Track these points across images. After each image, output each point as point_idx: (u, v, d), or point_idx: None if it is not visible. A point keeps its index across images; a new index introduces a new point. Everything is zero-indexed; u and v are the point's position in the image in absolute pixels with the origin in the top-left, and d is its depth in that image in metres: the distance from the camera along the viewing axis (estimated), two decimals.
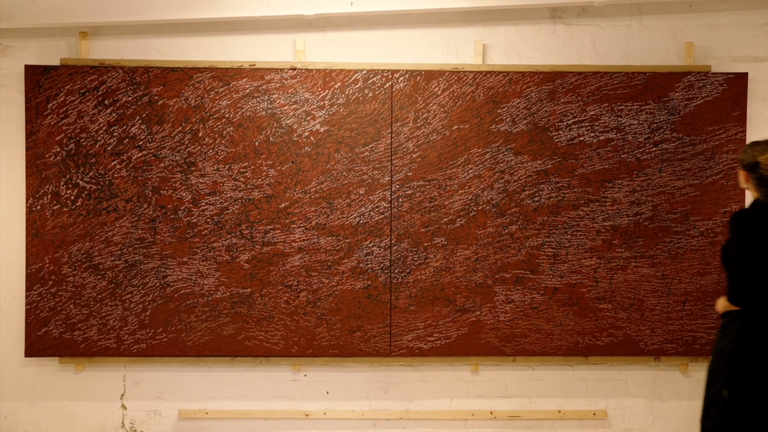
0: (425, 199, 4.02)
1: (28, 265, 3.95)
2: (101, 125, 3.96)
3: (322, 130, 4.01)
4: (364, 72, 4.01)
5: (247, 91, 3.99)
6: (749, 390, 2.89)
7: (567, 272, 4.04)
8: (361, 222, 4.02)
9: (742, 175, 3.08)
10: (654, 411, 4.18)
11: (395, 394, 4.15)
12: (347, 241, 4.01)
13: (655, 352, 4.05)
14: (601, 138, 4.04)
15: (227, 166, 3.99)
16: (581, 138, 4.04)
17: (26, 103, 3.95)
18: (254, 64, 4.01)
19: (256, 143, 4.00)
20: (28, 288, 3.95)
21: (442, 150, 4.02)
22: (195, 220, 3.98)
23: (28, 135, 3.95)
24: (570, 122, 4.04)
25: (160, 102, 3.97)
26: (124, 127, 3.97)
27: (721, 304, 3.06)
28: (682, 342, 4.05)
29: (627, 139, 4.04)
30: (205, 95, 3.98)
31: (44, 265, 3.95)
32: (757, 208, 2.99)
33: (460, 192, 4.03)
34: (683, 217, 4.04)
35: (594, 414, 4.16)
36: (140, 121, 3.97)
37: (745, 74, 4.06)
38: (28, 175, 3.94)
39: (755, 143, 3.04)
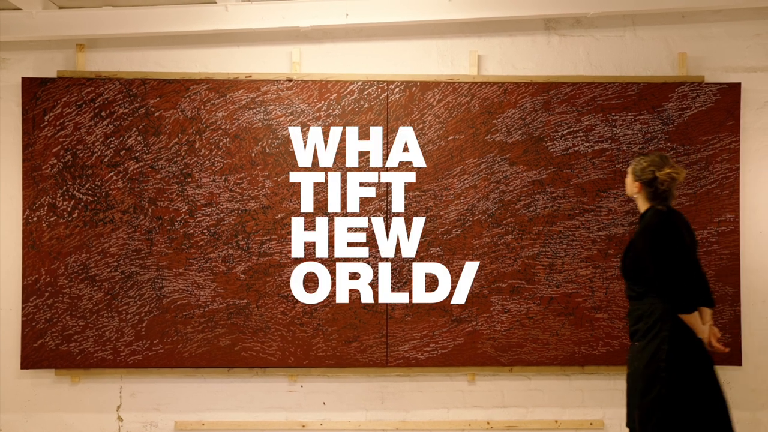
0: (421, 209, 4.03)
1: (24, 276, 3.95)
2: (98, 137, 3.98)
3: None
4: (360, 83, 4.03)
5: (244, 102, 4.01)
6: (688, 389, 2.91)
7: (563, 282, 4.05)
8: (357, 232, 4.02)
9: (634, 186, 3.08)
10: None
11: (392, 404, 4.15)
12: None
13: None
14: (596, 148, 4.06)
15: (223, 177, 4.00)
16: (576, 148, 4.06)
17: (23, 115, 3.96)
18: (250, 76, 4.03)
19: (253, 154, 4.01)
20: (25, 300, 3.95)
21: (438, 160, 4.04)
22: (191, 231, 3.99)
23: (25, 147, 3.96)
24: (565, 132, 4.06)
25: (156, 113, 3.99)
26: (121, 138, 3.98)
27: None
28: None
29: (621, 148, 4.06)
30: (202, 107, 4.00)
31: (40, 276, 3.95)
32: (664, 216, 2.98)
33: (455, 202, 4.04)
34: None
35: (591, 424, 4.16)
36: (137, 133, 3.98)
37: (738, 84, 4.08)
38: (25, 187, 3.95)
39: (646, 156, 3.06)
